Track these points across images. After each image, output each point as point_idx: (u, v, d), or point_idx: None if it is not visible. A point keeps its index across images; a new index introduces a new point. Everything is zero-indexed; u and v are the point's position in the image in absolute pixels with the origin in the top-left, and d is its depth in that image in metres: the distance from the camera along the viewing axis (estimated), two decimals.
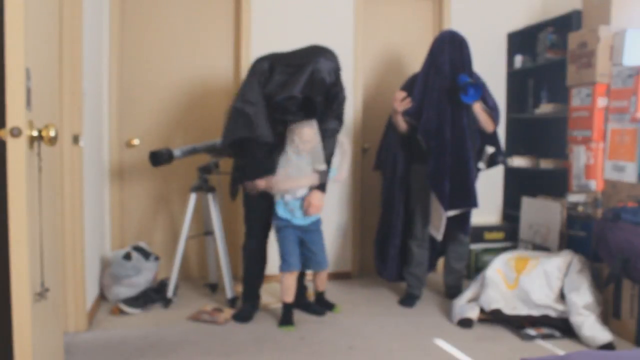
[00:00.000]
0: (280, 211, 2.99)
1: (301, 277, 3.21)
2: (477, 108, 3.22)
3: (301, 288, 3.22)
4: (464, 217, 3.26)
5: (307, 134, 2.90)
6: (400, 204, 3.40)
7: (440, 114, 3.13)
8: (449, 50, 3.19)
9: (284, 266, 3.00)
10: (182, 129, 3.76)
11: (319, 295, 3.27)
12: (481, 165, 3.40)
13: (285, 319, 2.98)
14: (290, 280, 3.00)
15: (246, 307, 3.09)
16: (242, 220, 3.71)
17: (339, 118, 3.07)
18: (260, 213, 3.08)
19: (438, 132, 3.13)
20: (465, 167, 3.14)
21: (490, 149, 3.36)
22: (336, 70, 2.94)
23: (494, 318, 2.99)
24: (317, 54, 2.90)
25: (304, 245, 3.06)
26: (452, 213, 3.19)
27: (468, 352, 2.65)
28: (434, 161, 3.15)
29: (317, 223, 3.10)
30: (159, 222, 3.79)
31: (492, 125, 3.32)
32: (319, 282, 3.23)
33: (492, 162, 3.44)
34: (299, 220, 3.00)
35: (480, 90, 3.08)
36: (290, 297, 3.00)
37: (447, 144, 3.12)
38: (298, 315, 3.12)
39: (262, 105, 2.85)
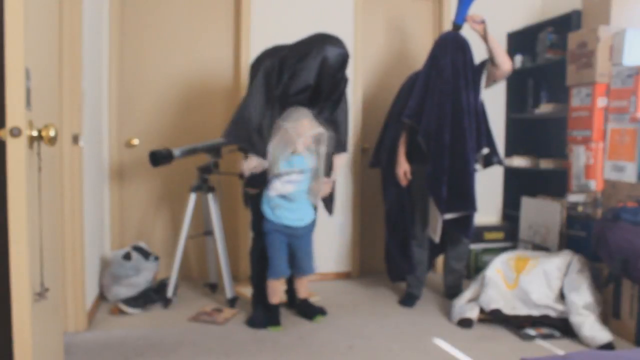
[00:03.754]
0: (266, 210, 2.88)
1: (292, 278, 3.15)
2: (493, 41, 3.16)
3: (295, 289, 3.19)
4: (466, 221, 3.24)
5: (305, 125, 2.76)
6: (408, 203, 3.39)
7: (440, 117, 3.12)
8: (451, 53, 3.17)
9: (271, 273, 2.90)
10: (182, 129, 3.76)
11: (303, 302, 3.12)
12: (477, 166, 3.39)
13: (272, 319, 2.93)
14: (277, 285, 2.94)
15: (258, 313, 3.01)
16: (241, 219, 3.73)
17: (345, 101, 3.05)
18: None
19: (437, 135, 3.13)
20: (465, 170, 3.13)
21: (484, 150, 3.34)
22: (344, 56, 2.87)
23: (494, 318, 2.99)
24: (323, 41, 2.84)
25: (290, 249, 2.93)
26: (449, 216, 3.18)
27: (468, 352, 2.65)
28: (432, 164, 3.15)
29: (308, 227, 2.96)
30: (159, 222, 3.79)
31: (509, 62, 3.21)
32: (299, 287, 3.09)
33: (487, 162, 3.43)
34: (287, 220, 2.85)
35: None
36: (277, 299, 2.96)
37: (445, 147, 3.11)
38: (298, 315, 3.13)
39: (267, 114, 2.83)
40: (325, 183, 2.98)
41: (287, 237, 2.90)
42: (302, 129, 2.77)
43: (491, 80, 3.27)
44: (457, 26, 3.26)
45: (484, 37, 3.17)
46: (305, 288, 3.12)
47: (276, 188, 2.85)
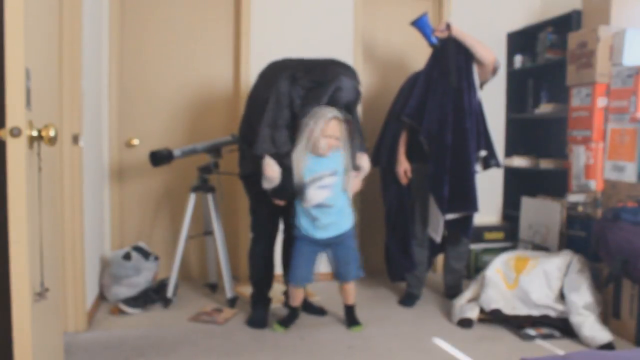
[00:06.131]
0: (304, 225, 2.76)
1: None
2: (466, 37, 3.14)
3: None
4: (466, 221, 3.24)
5: (333, 127, 2.61)
6: (408, 202, 3.38)
7: (442, 117, 3.12)
8: (454, 54, 3.17)
9: (292, 278, 2.85)
10: (182, 129, 3.76)
11: (347, 309, 3.01)
12: (477, 167, 3.38)
13: (284, 320, 2.94)
14: (297, 290, 2.91)
15: (258, 313, 3.02)
16: (241, 219, 3.73)
17: (360, 134, 2.95)
18: (266, 218, 3.01)
19: (439, 135, 3.13)
20: (466, 171, 3.12)
21: (482, 152, 3.32)
22: (357, 88, 2.81)
23: (494, 318, 2.99)
24: (339, 71, 2.73)
25: (329, 257, 2.89)
26: (450, 216, 3.18)
27: (468, 352, 2.65)
28: (434, 164, 3.15)
29: (343, 236, 2.81)
30: (158, 222, 3.79)
31: (490, 53, 3.18)
32: (342, 293, 2.99)
33: (486, 165, 3.42)
34: (320, 233, 2.75)
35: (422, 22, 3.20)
36: (297, 302, 2.95)
37: (447, 147, 3.10)
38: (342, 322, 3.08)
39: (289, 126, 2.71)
40: (355, 177, 2.86)
41: (322, 247, 2.82)
42: (329, 129, 2.62)
43: (482, 78, 3.27)
44: (434, 46, 3.25)
45: (458, 39, 3.17)
46: (349, 294, 2.96)
47: (310, 198, 2.69)
